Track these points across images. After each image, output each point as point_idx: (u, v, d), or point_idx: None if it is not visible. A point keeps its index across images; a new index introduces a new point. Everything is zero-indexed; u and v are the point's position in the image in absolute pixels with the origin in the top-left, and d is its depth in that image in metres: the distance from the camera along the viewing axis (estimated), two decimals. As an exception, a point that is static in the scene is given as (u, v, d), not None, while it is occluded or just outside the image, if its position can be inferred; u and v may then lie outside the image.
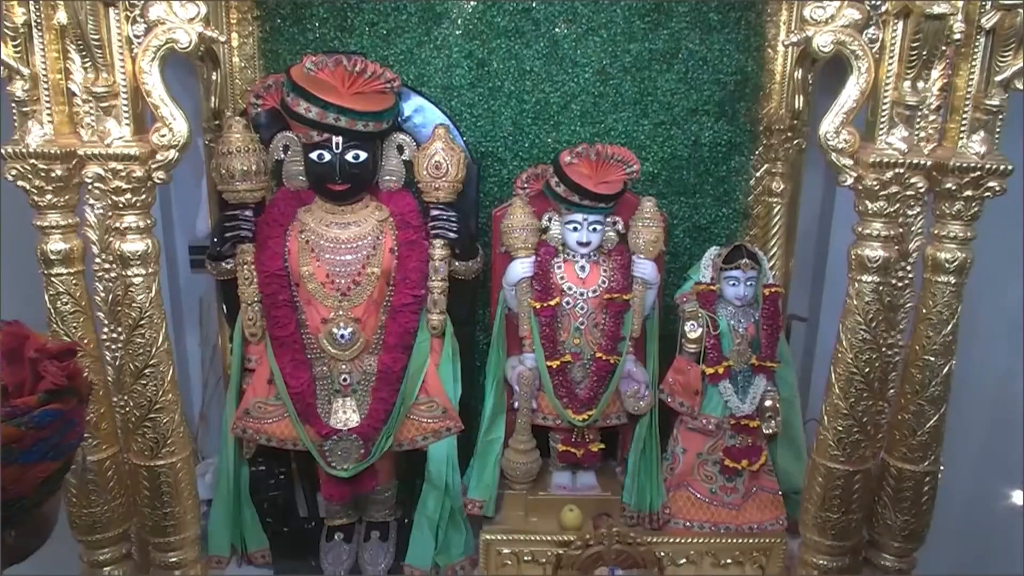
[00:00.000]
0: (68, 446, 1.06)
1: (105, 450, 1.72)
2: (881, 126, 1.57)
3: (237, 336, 1.93)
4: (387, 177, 1.90)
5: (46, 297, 1.63)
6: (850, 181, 1.60)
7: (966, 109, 1.59)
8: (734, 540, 1.93)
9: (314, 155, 1.81)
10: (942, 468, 1.80)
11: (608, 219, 1.93)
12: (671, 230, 2.10)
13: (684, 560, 1.93)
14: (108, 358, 1.80)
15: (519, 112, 2.06)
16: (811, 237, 2.35)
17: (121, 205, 1.57)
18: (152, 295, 1.62)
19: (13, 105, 1.55)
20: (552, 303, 1.91)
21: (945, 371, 1.71)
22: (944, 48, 1.54)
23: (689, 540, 1.93)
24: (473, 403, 2.05)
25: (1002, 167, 1.58)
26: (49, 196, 1.57)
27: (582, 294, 1.93)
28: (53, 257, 1.59)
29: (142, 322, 1.62)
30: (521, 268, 1.92)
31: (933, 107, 1.60)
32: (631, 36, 2.02)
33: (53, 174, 1.55)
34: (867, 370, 1.66)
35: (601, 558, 1.83)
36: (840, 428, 1.70)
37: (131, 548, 1.86)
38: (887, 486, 1.81)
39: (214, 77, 2.03)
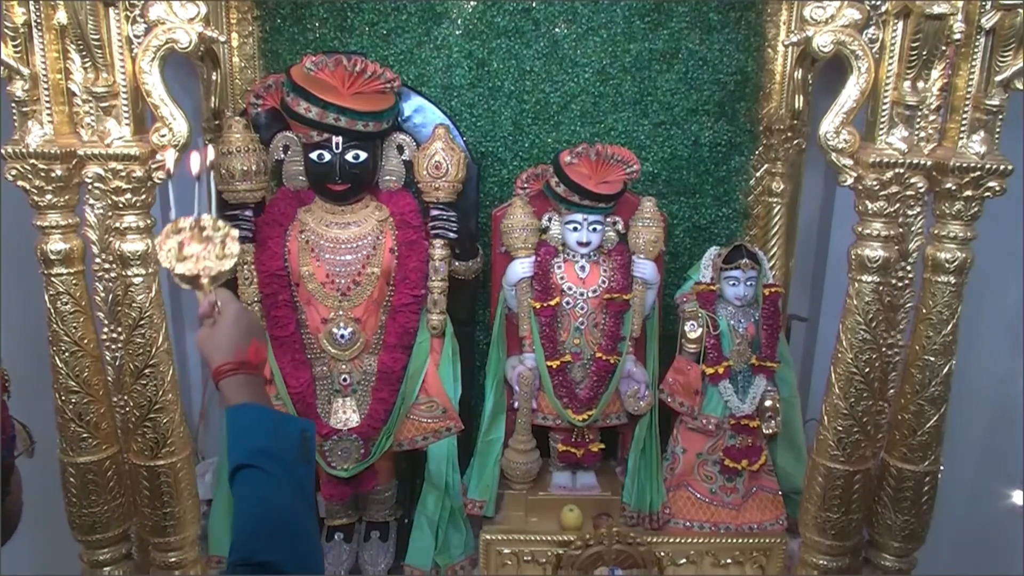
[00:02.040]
0: (5, 446, 1.05)
1: (105, 450, 1.72)
2: (881, 126, 1.57)
3: (237, 336, 1.92)
4: (387, 177, 1.91)
5: (46, 297, 1.62)
6: (850, 181, 1.60)
7: (966, 109, 1.59)
8: (734, 540, 1.93)
9: (314, 155, 1.81)
10: (942, 468, 1.80)
11: (608, 219, 1.93)
12: (671, 230, 2.10)
13: (684, 560, 1.93)
14: (108, 358, 1.80)
15: (519, 112, 2.06)
16: (811, 237, 2.35)
17: (121, 205, 1.57)
18: (152, 295, 1.62)
19: (13, 105, 1.55)
20: (552, 303, 1.91)
21: (945, 371, 1.71)
22: (944, 48, 1.54)
23: (689, 540, 1.93)
24: (473, 403, 2.05)
25: (1002, 167, 1.58)
26: (49, 196, 1.57)
27: (582, 294, 1.93)
28: (53, 257, 1.59)
29: (142, 322, 1.62)
30: (521, 268, 1.92)
31: (933, 107, 1.60)
32: (631, 36, 2.02)
33: (53, 174, 1.55)
34: (867, 370, 1.66)
35: (601, 558, 1.83)
36: (840, 428, 1.70)
37: (131, 548, 1.86)
38: (887, 486, 1.81)
39: (214, 77, 2.03)
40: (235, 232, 1.33)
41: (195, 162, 1.36)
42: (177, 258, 1.27)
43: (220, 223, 1.32)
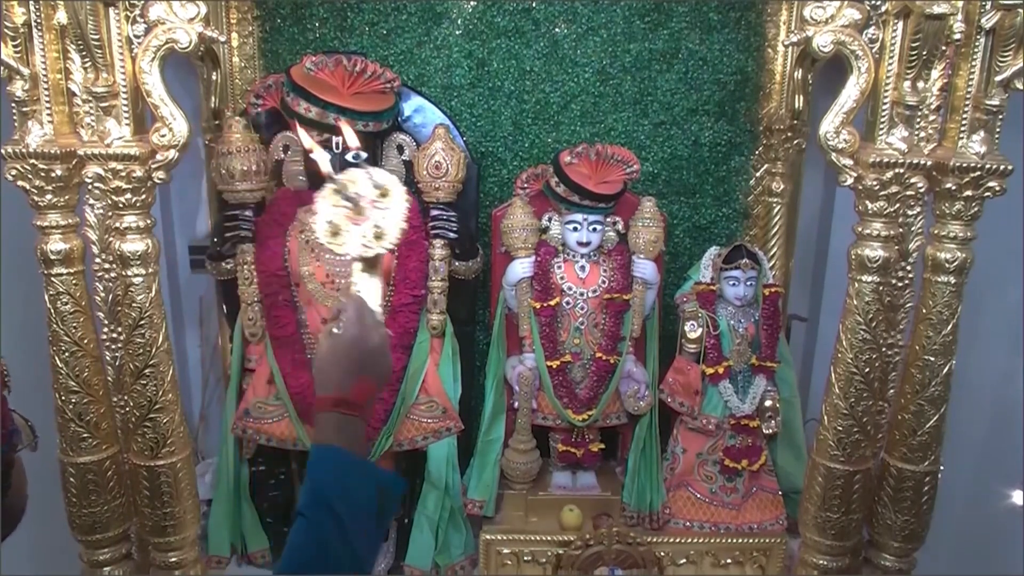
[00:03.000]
0: (6, 441, 1.05)
1: (105, 450, 1.72)
2: (881, 126, 1.57)
3: (237, 336, 1.93)
4: (387, 177, 1.90)
5: (46, 297, 1.63)
6: (850, 181, 1.60)
7: (966, 109, 1.59)
8: (734, 540, 1.93)
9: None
10: (942, 468, 1.80)
11: (608, 219, 1.93)
12: (671, 230, 2.10)
13: (684, 560, 1.93)
14: (108, 358, 1.80)
15: (519, 112, 2.06)
16: (811, 237, 2.35)
17: (121, 205, 1.57)
18: (152, 295, 1.62)
19: (13, 105, 1.55)
20: (552, 303, 1.91)
21: (945, 371, 1.71)
22: (944, 48, 1.54)
23: (689, 540, 1.93)
24: (473, 403, 2.05)
25: (1002, 167, 1.58)
26: (49, 196, 1.57)
27: (582, 294, 1.93)
28: (53, 257, 1.59)
29: (142, 322, 1.62)
30: (521, 268, 1.92)
31: (933, 107, 1.60)
32: (631, 36, 2.02)
33: (53, 174, 1.55)
34: (867, 370, 1.66)
35: (601, 558, 1.83)
36: (840, 428, 1.70)
37: (131, 548, 1.86)
38: (887, 486, 1.81)
39: (214, 77, 2.03)
40: (403, 206, 1.12)
41: (349, 133, 1.26)
42: (331, 231, 1.11)
43: (389, 187, 1.11)
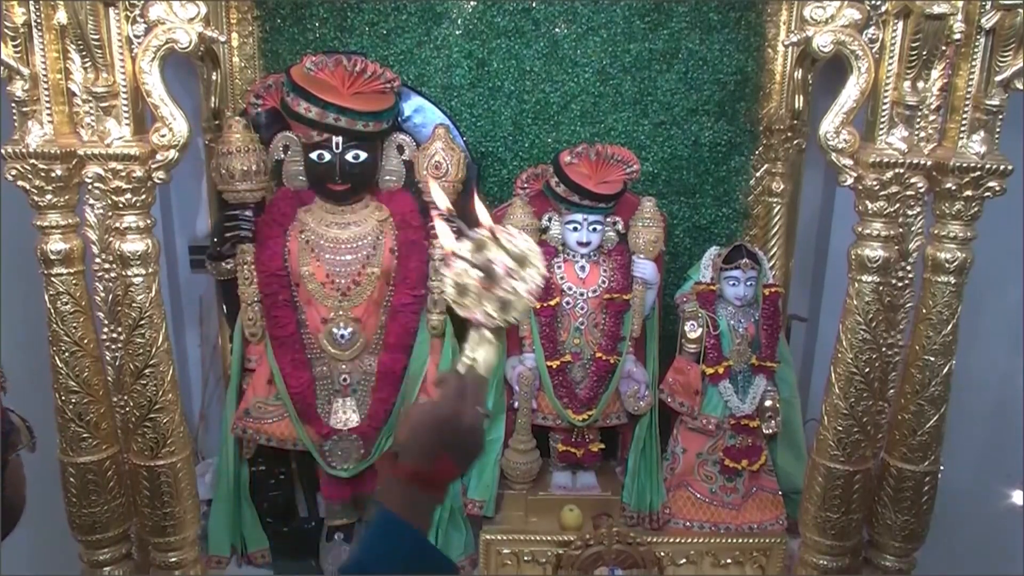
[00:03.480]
0: (4, 441, 1.05)
1: (105, 450, 1.72)
2: (881, 126, 1.57)
3: (237, 336, 1.93)
4: (387, 177, 1.91)
5: (46, 297, 1.62)
6: (850, 181, 1.60)
7: (966, 109, 1.59)
8: (734, 540, 1.93)
9: (314, 155, 1.81)
10: (942, 468, 1.80)
11: (608, 219, 1.93)
12: (671, 230, 2.10)
13: (684, 560, 1.93)
14: (108, 358, 1.80)
15: (519, 112, 2.06)
16: (811, 237, 2.35)
17: (121, 205, 1.57)
18: (152, 295, 1.62)
19: (13, 105, 1.55)
20: (552, 303, 1.91)
21: (945, 371, 1.71)
22: (944, 48, 1.54)
23: (689, 540, 1.93)
24: (473, 403, 2.05)
25: (1002, 167, 1.58)
26: (49, 196, 1.57)
27: (582, 294, 1.93)
28: (53, 257, 1.59)
29: (142, 322, 1.62)
30: (521, 268, 1.92)
31: (933, 107, 1.60)
32: (631, 36, 2.02)
33: (53, 174, 1.55)
34: (867, 370, 1.66)
35: (601, 558, 1.83)
36: (840, 428, 1.70)
37: (131, 548, 1.86)
38: (887, 486, 1.81)
39: (214, 77, 2.03)
40: (538, 280, 1.05)
41: (437, 193, 1.16)
42: (457, 289, 1.05)
43: (529, 256, 1.04)
